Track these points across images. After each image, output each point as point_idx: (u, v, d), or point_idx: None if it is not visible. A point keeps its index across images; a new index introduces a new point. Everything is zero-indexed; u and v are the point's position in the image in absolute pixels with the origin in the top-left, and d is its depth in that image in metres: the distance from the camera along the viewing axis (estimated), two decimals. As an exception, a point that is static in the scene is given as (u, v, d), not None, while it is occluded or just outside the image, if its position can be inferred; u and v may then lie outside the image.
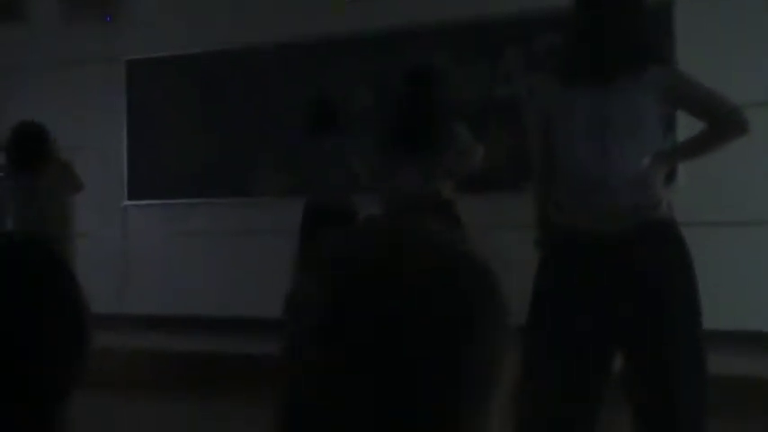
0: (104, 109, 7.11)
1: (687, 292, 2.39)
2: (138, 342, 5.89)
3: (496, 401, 0.69)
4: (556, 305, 2.45)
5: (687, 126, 3.08)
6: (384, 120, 4.98)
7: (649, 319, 2.37)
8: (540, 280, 2.52)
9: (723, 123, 2.47)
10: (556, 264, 2.51)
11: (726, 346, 3.84)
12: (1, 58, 7.37)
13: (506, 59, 5.96)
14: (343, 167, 5.33)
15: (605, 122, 2.41)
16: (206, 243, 6.76)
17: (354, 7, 6.27)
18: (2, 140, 5.10)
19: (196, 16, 6.77)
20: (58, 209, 5.08)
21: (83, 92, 7.14)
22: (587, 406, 2.43)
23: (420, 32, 6.08)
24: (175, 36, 6.81)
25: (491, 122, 5.83)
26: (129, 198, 7.15)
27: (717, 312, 2.69)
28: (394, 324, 0.66)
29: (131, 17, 7.00)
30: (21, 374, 0.87)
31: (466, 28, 6.01)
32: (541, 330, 2.44)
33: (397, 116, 4.79)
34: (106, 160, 6.99)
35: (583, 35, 2.49)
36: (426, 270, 0.68)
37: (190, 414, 4.74)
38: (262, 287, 5.96)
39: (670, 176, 2.69)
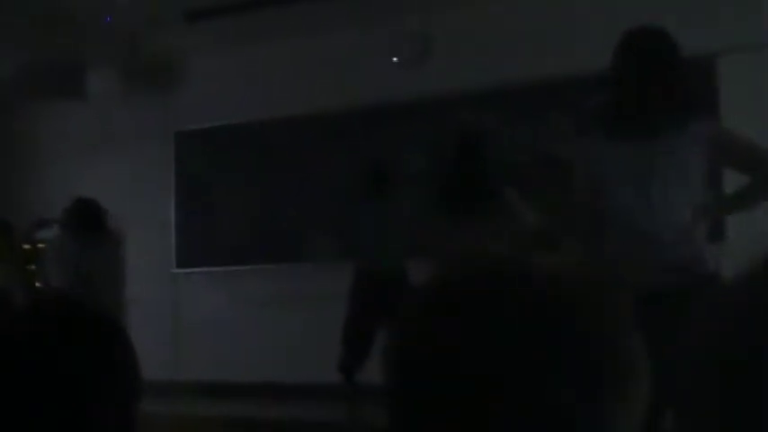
0: (154, 178, 7.27)
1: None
2: (189, 408, 5.90)
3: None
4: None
5: (734, 180, 3.05)
6: (435, 184, 4.99)
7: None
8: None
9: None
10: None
11: None
12: (60, 134, 7.63)
13: (554, 122, 5.96)
14: (394, 231, 5.33)
15: (651, 176, 2.40)
16: (256, 309, 6.78)
17: (403, 74, 6.36)
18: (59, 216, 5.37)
19: (245, 87, 6.92)
20: (110, 277, 5.26)
21: (134, 162, 7.30)
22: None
23: (469, 97, 6.14)
24: (224, 107, 6.96)
25: (541, 185, 5.80)
26: (179, 266, 7.25)
27: None
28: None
29: (182, 91, 7.19)
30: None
31: (514, 91, 6.03)
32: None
33: (448, 180, 4.81)
34: (156, 228, 7.12)
35: (626, 90, 2.48)
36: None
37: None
38: (312, 352, 5.95)
39: (718, 232, 2.65)
